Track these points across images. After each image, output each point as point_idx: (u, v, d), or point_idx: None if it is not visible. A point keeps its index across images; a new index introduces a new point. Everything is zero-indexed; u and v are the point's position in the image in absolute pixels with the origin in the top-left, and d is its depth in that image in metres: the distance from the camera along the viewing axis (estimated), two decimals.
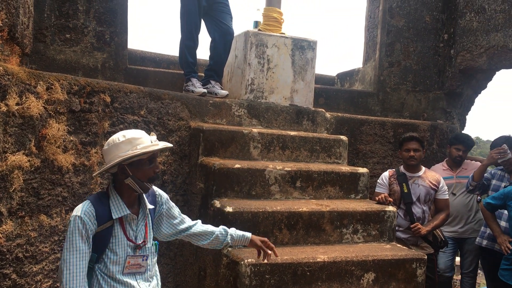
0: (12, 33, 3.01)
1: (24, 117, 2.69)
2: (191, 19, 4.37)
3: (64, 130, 3.02)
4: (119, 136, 2.16)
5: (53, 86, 2.94)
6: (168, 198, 2.49)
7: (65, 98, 3.05)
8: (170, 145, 2.27)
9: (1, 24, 2.73)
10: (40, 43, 4.34)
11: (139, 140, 2.15)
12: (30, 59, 4.14)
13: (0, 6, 2.70)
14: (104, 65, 4.63)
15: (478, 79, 5.69)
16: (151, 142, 2.17)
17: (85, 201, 2.15)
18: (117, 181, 2.21)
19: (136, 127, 3.62)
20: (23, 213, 2.76)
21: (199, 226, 2.56)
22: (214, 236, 2.54)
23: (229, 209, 3.24)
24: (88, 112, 3.27)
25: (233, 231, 2.58)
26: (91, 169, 3.29)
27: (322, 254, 3.21)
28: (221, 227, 2.59)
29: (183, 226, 2.50)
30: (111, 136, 3.39)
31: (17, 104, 2.60)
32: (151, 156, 2.18)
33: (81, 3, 4.48)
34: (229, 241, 2.56)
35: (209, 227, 2.57)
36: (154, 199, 2.36)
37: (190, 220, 2.57)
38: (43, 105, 2.84)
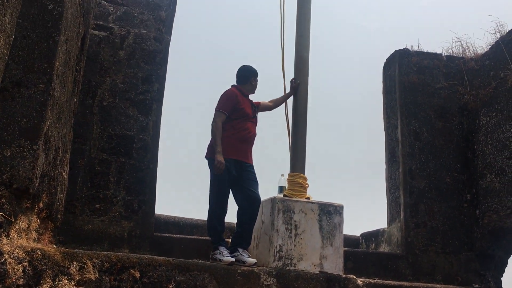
0: (49, 212, 3.05)
1: None
2: (222, 189, 4.45)
3: None
4: None
5: (85, 265, 2.87)
6: None
7: (96, 277, 2.96)
8: None
9: (42, 206, 2.77)
10: (70, 214, 4.40)
11: None
12: (58, 230, 4.15)
13: (43, 189, 2.77)
14: (130, 233, 4.62)
15: (509, 240, 5.54)
16: None
17: None
18: None
19: None
20: None
21: None
22: None
23: None
24: None
25: None
26: None
27: None
28: None
29: None
30: None
31: None
32: None
33: (113, 174, 4.65)
34: None
35: None
36: None
37: None
38: (74, 287, 2.74)
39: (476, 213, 5.67)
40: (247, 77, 4.88)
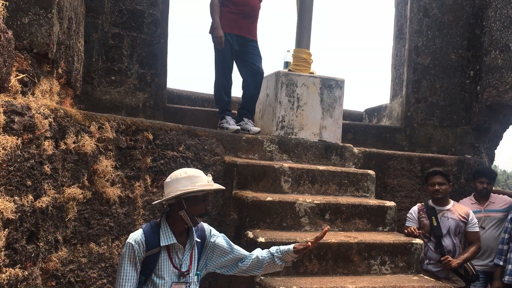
0: (68, 79, 3.38)
1: (79, 154, 3.01)
2: (225, 62, 4.72)
3: (112, 165, 3.33)
4: (181, 172, 2.43)
5: (104, 126, 3.27)
6: (215, 233, 2.64)
7: (114, 136, 3.37)
8: (223, 187, 2.52)
9: (61, 72, 3.09)
10: (88, 85, 4.74)
11: (198, 178, 2.41)
12: (79, 99, 4.52)
13: (61, 56, 3.06)
14: (145, 104, 4.99)
15: (505, 115, 5.78)
16: (208, 182, 2.42)
17: (138, 230, 2.42)
18: (171, 212, 2.46)
19: (175, 162, 3.90)
20: (75, 241, 3.05)
21: (252, 257, 2.63)
22: (265, 264, 2.61)
23: (261, 239, 3.44)
24: (133, 149, 3.58)
25: (276, 251, 2.61)
26: (135, 201, 3.57)
27: (350, 284, 3.36)
28: (265, 250, 2.66)
29: (235, 258, 2.62)
30: (153, 170, 3.72)
31: (73, 142, 2.92)
32: (205, 194, 2.43)
33: (126, 48, 4.89)
34: (280, 263, 2.62)
35: (257, 255, 2.64)
36: (203, 234, 2.58)
37: (244, 252, 2.66)
38: (95, 143, 3.16)
39: (477, 89, 5.86)
40: None
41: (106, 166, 3.26)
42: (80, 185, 3.05)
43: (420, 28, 5.93)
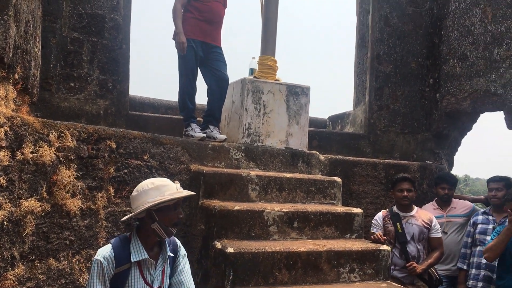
0: (25, 85, 3.20)
1: (37, 164, 2.84)
2: (189, 68, 4.64)
3: (72, 176, 3.16)
4: (148, 183, 2.32)
5: (64, 134, 3.11)
6: (183, 253, 2.55)
7: (75, 145, 3.21)
8: (193, 193, 2.43)
9: (17, 78, 2.92)
10: (46, 92, 4.53)
11: (166, 187, 2.30)
12: (36, 106, 4.31)
13: (17, 61, 2.89)
14: (106, 111, 4.82)
15: (463, 122, 5.95)
16: (176, 190, 2.32)
17: (107, 245, 2.28)
18: (141, 226, 2.34)
19: (139, 171, 3.77)
20: (33, 257, 2.87)
21: None
22: None
23: (230, 250, 3.35)
24: (95, 158, 3.43)
25: None
26: (97, 213, 3.41)
27: None
28: None
29: None
30: (117, 180, 3.57)
31: (31, 152, 2.75)
32: (176, 203, 2.32)
33: (86, 54, 4.72)
34: None
35: None
36: (175, 248, 2.48)
37: None
38: (54, 152, 3.00)
39: (437, 97, 6.01)
40: None
41: (67, 176, 3.09)
42: (38, 197, 2.87)
43: (381, 37, 6.04)
